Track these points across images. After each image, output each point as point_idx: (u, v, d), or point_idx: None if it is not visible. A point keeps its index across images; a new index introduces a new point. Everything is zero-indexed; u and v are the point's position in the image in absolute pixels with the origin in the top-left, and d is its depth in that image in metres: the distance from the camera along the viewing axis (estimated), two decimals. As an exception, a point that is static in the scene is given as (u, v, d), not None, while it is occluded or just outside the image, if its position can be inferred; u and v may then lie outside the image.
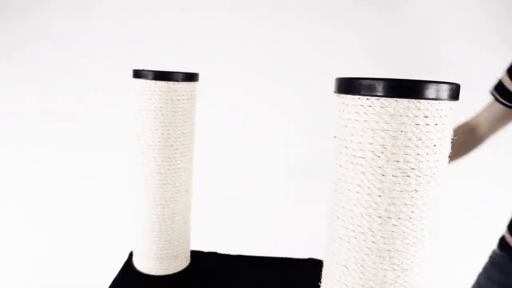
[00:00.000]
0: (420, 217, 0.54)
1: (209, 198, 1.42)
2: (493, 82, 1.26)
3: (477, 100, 1.64)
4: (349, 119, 0.55)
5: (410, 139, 0.51)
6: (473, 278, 1.29)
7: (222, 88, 1.52)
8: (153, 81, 0.94)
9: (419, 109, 0.50)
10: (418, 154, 0.51)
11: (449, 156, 0.56)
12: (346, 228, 0.57)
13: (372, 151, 0.52)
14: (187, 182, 1.03)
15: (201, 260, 1.13)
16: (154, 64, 1.09)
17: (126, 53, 1.54)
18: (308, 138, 1.58)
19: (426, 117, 0.51)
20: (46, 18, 1.60)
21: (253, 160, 1.63)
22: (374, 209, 0.53)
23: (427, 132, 0.51)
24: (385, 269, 0.55)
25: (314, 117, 1.54)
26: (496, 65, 1.63)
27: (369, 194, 0.53)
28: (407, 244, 0.54)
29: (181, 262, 1.06)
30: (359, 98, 0.53)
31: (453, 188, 1.59)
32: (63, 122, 1.62)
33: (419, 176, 0.52)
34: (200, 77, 1.03)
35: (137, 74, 0.96)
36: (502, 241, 1.23)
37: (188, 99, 0.99)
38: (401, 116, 0.50)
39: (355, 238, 0.56)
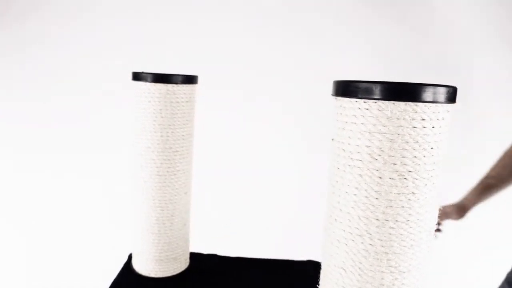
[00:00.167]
0: (418, 219, 0.54)
1: (208, 200, 1.42)
2: None
3: (478, 102, 1.64)
4: (346, 122, 0.55)
5: (407, 142, 0.51)
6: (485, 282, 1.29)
7: (221, 90, 1.52)
8: (152, 84, 0.95)
9: (416, 112, 0.50)
10: (415, 157, 0.52)
11: (496, 184, 0.55)
12: (344, 231, 0.57)
13: (369, 154, 0.53)
14: (186, 184, 1.03)
15: (200, 262, 1.13)
16: (153, 67, 1.10)
17: (125, 55, 1.54)
18: (307, 140, 1.58)
19: (423, 120, 0.51)
20: (45, 21, 1.60)
21: (252, 162, 1.63)
22: (371, 212, 0.54)
23: (424, 135, 0.51)
24: (382, 272, 0.55)
25: (313, 119, 1.54)
26: (497, 67, 1.64)
27: (366, 197, 0.54)
28: (404, 246, 0.54)
29: (180, 264, 1.07)
30: (356, 101, 0.53)
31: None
32: (63, 124, 1.62)
33: (416, 179, 0.52)
34: (199, 79, 1.03)
35: (136, 76, 0.97)
36: None
37: (187, 102, 0.99)
38: (398, 119, 0.50)
39: (353, 240, 0.56)
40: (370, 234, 0.54)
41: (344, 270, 0.57)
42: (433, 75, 1.60)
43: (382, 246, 0.54)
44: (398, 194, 0.52)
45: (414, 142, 0.51)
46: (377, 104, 0.51)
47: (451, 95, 0.52)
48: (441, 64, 1.64)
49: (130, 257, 1.11)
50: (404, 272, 0.55)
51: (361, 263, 0.55)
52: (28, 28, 1.62)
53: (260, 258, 1.17)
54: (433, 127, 0.52)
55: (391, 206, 0.53)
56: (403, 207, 0.53)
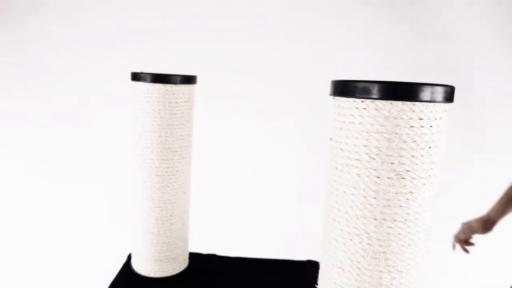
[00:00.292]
0: (416, 219, 0.54)
1: (207, 200, 1.42)
2: None
3: (477, 101, 1.64)
4: (344, 122, 0.55)
5: (405, 141, 0.51)
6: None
7: (220, 90, 1.52)
8: (151, 84, 0.94)
9: (413, 111, 0.50)
10: (413, 156, 0.52)
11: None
12: (342, 230, 0.57)
13: (367, 153, 0.53)
14: (185, 184, 1.03)
15: (199, 262, 1.13)
16: (153, 67, 1.10)
17: (124, 56, 1.54)
18: (306, 140, 1.58)
19: (421, 119, 0.51)
20: (44, 21, 1.60)
21: (251, 162, 1.63)
22: (369, 211, 0.54)
23: (422, 134, 0.51)
24: (380, 271, 0.55)
25: (313, 119, 1.54)
26: (496, 67, 1.64)
27: (364, 196, 0.54)
28: (402, 246, 0.54)
29: (179, 264, 1.07)
30: (354, 101, 0.53)
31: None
32: (61, 124, 1.62)
33: (414, 178, 0.52)
34: (198, 79, 1.03)
35: (135, 76, 0.96)
36: None
37: (186, 102, 0.99)
38: (395, 118, 0.50)
39: (351, 240, 0.56)
40: (368, 233, 0.54)
41: (342, 269, 0.57)
42: (433, 75, 1.60)
43: (380, 245, 0.54)
44: (396, 193, 0.52)
45: (412, 142, 0.51)
46: (374, 103, 0.51)
47: (449, 95, 0.52)
48: (441, 64, 1.64)
49: (129, 257, 1.11)
50: (402, 272, 0.55)
51: (359, 262, 0.55)
52: (27, 28, 1.62)
53: (259, 258, 1.17)
54: (430, 126, 0.52)
55: (389, 206, 0.53)
56: (401, 206, 0.53)
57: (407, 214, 0.53)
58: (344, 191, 0.56)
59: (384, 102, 0.50)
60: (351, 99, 0.54)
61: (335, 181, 0.58)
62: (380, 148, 0.52)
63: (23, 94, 1.65)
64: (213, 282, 1.04)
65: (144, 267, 1.03)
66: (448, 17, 1.63)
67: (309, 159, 1.59)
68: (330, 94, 0.58)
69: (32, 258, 1.67)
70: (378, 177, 0.52)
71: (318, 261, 0.65)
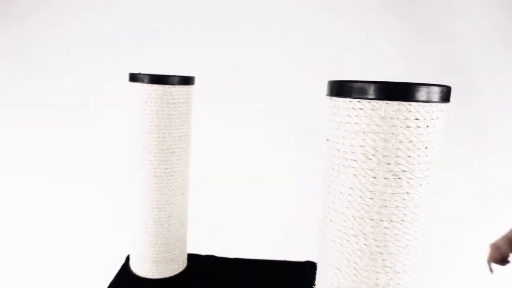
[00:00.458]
0: (413, 219, 0.54)
1: (205, 201, 1.42)
2: None
3: (476, 101, 1.64)
4: (341, 122, 0.55)
5: (401, 142, 0.51)
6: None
7: (218, 91, 1.52)
8: (149, 85, 0.94)
9: (410, 111, 0.50)
10: (409, 156, 0.52)
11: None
12: (339, 231, 0.57)
13: (363, 154, 0.53)
14: (183, 185, 1.03)
15: (198, 263, 1.13)
16: (151, 68, 1.10)
17: (123, 57, 1.54)
18: (305, 140, 1.58)
19: (417, 119, 0.51)
20: (43, 23, 1.61)
21: (249, 163, 1.62)
22: (366, 212, 0.53)
23: (418, 134, 0.51)
24: (377, 272, 0.55)
25: (310, 120, 1.54)
26: (496, 67, 1.64)
27: (361, 197, 0.53)
28: (399, 246, 0.54)
29: (177, 265, 1.06)
30: (350, 101, 0.53)
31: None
32: (60, 126, 1.62)
33: (411, 179, 0.52)
34: (196, 80, 1.03)
35: (133, 77, 0.96)
36: None
37: (184, 103, 0.99)
38: (392, 118, 0.50)
39: (348, 240, 0.56)
40: (365, 234, 0.54)
41: (339, 270, 0.57)
42: (433, 75, 1.60)
43: (377, 246, 0.54)
44: (393, 194, 0.52)
45: (408, 142, 0.51)
46: (371, 104, 0.51)
47: (445, 95, 0.52)
48: (440, 64, 1.63)
49: (128, 258, 1.11)
50: (399, 272, 0.55)
51: (356, 263, 0.55)
52: (27, 29, 1.62)
53: (258, 259, 1.17)
54: (427, 126, 0.52)
55: (386, 206, 0.53)
56: (397, 207, 0.53)
57: (404, 214, 0.53)
58: (341, 192, 0.56)
59: (380, 102, 0.50)
60: (347, 100, 0.53)
61: (331, 181, 0.58)
62: (376, 149, 0.52)
63: (23, 94, 1.65)
64: (211, 283, 1.04)
65: (142, 268, 1.03)
66: (448, 17, 1.62)
67: (309, 159, 1.59)
68: (327, 95, 0.58)
69: (31, 258, 1.67)
70: (374, 177, 0.52)
71: (316, 261, 0.65)
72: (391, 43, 1.62)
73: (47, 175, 1.68)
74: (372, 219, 0.53)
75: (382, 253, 0.54)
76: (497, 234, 1.51)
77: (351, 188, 0.54)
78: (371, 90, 0.51)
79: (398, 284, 0.55)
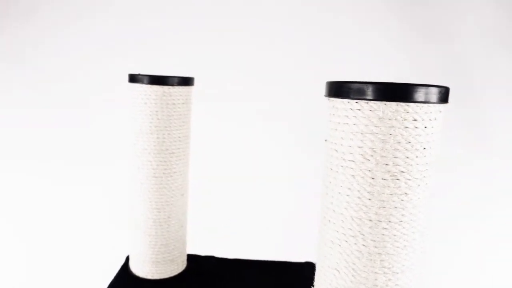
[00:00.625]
0: (411, 220, 0.54)
1: (205, 202, 1.42)
2: None
3: (476, 102, 1.64)
4: (339, 123, 0.55)
5: (399, 142, 0.51)
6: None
7: (218, 91, 1.52)
8: (149, 86, 0.95)
9: (408, 112, 0.50)
10: (407, 157, 0.52)
11: None
12: (337, 232, 0.57)
13: (361, 154, 0.53)
14: (183, 186, 1.03)
15: (197, 263, 1.13)
16: (151, 69, 1.10)
17: (122, 58, 1.55)
18: (305, 141, 1.58)
19: (415, 120, 0.51)
20: (42, 24, 1.61)
21: (249, 163, 1.63)
22: (364, 212, 0.54)
23: (416, 135, 0.51)
24: (376, 273, 0.55)
25: (310, 120, 1.54)
26: (496, 67, 1.64)
27: (359, 198, 0.54)
28: (397, 247, 0.54)
29: (177, 266, 1.06)
30: (348, 102, 0.53)
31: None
32: (60, 127, 1.63)
33: (409, 179, 0.52)
34: (195, 81, 1.03)
35: (133, 78, 0.97)
36: None
37: (183, 103, 0.99)
38: (390, 119, 0.50)
39: (346, 241, 0.56)
40: (363, 235, 0.54)
41: (338, 271, 0.57)
42: (434, 76, 1.60)
43: (376, 247, 0.54)
44: (391, 194, 0.52)
45: (406, 143, 0.51)
46: (369, 104, 0.51)
47: (443, 95, 0.52)
48: (440, 64, 1.63)
49: (127, 259, 1.11)
50: (397, 273, 0.55)
51: (354, 264, 0.55)
52: (26, 30, 1.62)
53: (257, 259, 1.17)
54: (425, 127, 0.52)
55: (384, 207, 0.53)
56: (396, 207, 0.53)
57: (402, 215, 0.53)
58: (339, 192, 0.56)
59: (378, 103, 0.50)
60: (345, 100, 0.54)
61: (330, 182, 0.58)
62: (374, 149, 0.52)
63: (23, 94, 1.66)
64: (211, 284, 1.04)
65: (142, 269, 1.03)
66: (448, 17, 1.62)
67: (308, 160, 1.59)
68: (325, 95, 0.58)
69: (31, 258, 1.67)
70: (372, 178, 0.52)
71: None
72: (391, 43, 1.62)
73: (47, 175, 1.68)
74: (370, 220, 0.53)
75: (381, 253, 0.54)
76: (497, 234, 1.51)
77: (349, 188, 0.54)
78: (369, 91, 0.51)
79: (396, 285, 0.55)
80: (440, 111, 0.53)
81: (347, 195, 0.55)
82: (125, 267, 1.08)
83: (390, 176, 0.52)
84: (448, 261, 1.55)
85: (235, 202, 1.62)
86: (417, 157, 0.52)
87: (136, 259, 1.04)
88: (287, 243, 1.58)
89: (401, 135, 0.51)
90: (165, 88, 0.95)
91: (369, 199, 0.53)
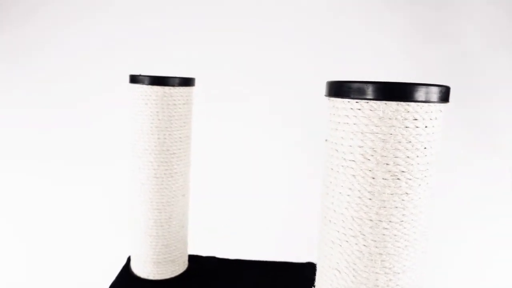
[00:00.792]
0: (412, 220, 0.54)
1: (206, 202, 1.42)
2: None
3: (479, 101, 1.64)
4: (339, 122, 0.55)
5: (400, 142, 0.51)
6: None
7: (219, 91, 1.52)
8: (149, 86, 0.95)
9: (408, 111, 0.50)
10: (408, 157, 0.51)
11: None
12: (338, 232, 0.56)
13: (362, 154, 0.52)
14: (184, 187, 1.03)
15: (198, 264, 1.13)
16: (151, 69, 1.10)
17: (123, 58, 1.55)
18: (306, 141, 1.58)
19: (416, 119, 0.51)
20: (43, 24, 1.62)
21: (251, 163, 1.63)
22: (365, 212, 0.53)
23: (416, 134, 0.51)
24: (376, 273, 0.54)
25: (310, 120, 1.54)
26: (497, 67, 1.63)
27: (359, 197, 0.53)
28: (398, 247, 0.54)
29: (178, 267, 1.06)
30: (348, 101, 0.53)
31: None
32: (61, 127, 1.63)
33: (410, 179, 0.52)
34: (196, 81, 1.03)
35: (134, 79, 0.97)
36: None
37: (184, 104, 0.99)
38: (390, 119, 0.50)
39: (347, 241, 0.55)
40: (364, 235, 0.54)
41: (339, 271, 0.57)
42: (434, 75, 1.60)
43: (376, 247, 0.54)
44: (392, 194, 0.52)
45: (407, 142, 0.51)
46: (369, 104, 0.51)
47: (444, 95, 0.52)
48: (442, 64, 1.63)
49: (128, 259, 1.11)
50: (398, 273, 0.55)
51: (355, 264, 0.55)
52: (27, 30, 1.63)
53: (259, 260, 1.17)
54: (426, 126, 0.51)
55: (385, 207, 0.53)
56: (396, 207, 0.53)
57: (403, 215, 0.53)
58: (340, 192, 0.56)
59: (378, 102, 0.50)
60: (345, 100, 0.53)
61: (330, 182, 0.57)
62: (375, 149, 0.51)
63: (24, 95, 1.66)
64: (212, 284, 1.04)
65: (143, 270, 1.03)
66: (450, 17, 1.62)
67: (309, 160, 1.59)
68: (325, 95, 0.58)
69: (31, 259, 1.67)
70: (373, 178, 0.52)
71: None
72: (392, 43, 1.62)
73: (47, 175, 1.68)
74: (371, 220, 0.53)
75: (381, 254, 0.54)
76: (497, 234, 1.51)
77: (349, 188, 0.54)
78: (369, 91, 0.51)
79: (397, 285, 0.55)
80: (441, 111, 0.53)
81: (348, 195, 0.54)
82: (126, 267, 1.08)
83: (391, 175, 0.52)
84: (448, 261, 1.55)
85: (236, 203, 1.62)
86: (417, 156, 0.52)
87: (137, 260, 1.04)
88: (289, 243, 1.58)
89: (402, 134, 0.51)
90: (166, 88, 0.95)
91: (370, 199, 0.53)
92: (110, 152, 1.62)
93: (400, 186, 0.52)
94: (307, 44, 1.60)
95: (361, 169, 0.53)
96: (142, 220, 1.00)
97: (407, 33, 1.63)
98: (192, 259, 1.14)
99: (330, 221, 0.58)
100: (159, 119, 0.96)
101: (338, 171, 0.56)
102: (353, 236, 0.55)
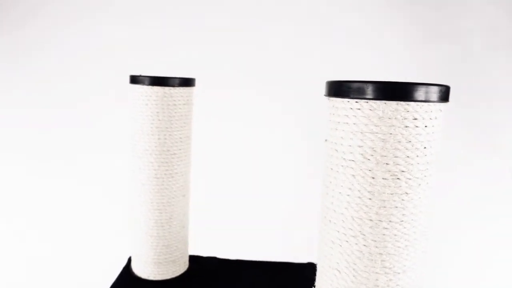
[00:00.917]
0: (412, 220, 0.54)
1: (207, 203, 1.42)
2: None
3: (479, 101, 1.64)
4: (339, 122, 0.55)
5: (400, 142, 0.51)
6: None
7: (219, 92, 1.52)
8: (150, 87, 0.95)
9: (408, 111, 0.50)
10: (408, 156, 0.51)
11: None
12: (338, 232, 0.56)
13: (362, 154, 0.52)
14: (184, 187, 1.03)
15: (199, 264, 1.13)
16: (151, 70, 1.10)
17: (123, 59, 1.55)
18: (307, 141, 1.58)
19: (415, 119, 0.51)
20: (44, 25, 1.62)
21: (251, 164, 1.63)
22: (365, 212, 0.53)
23: (416, 134, 0.51)
24: (377, 273, 0.54)
25: (312, 120, 1.54)
26: (497, 67, 1.63)
27: (359, 197, 0.53)
28: (398, 247, 0.54)
29: (179, 267, 1.06)
30: (348, 101, 0.53)
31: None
32: (61, 128, 1.63)
33: (410, 179, 0.52)
34: (197, 82, 1.04)
35: (134, 79, 0.97)
36: None
37: (184, 104, 0.99)
38: (390, 118, 0.50)
39: (347, 241, 0.55)
40: (364, 235, 0.54)
41: (339, 271, 0.57)
42: (435, 75, 1.60)
43: (376, 247, 0.54)
44: (392, 194, 0.52)
45: (407, 142, 0.51)
46: (369, 104, 0.51)
47: (444, 94, 0.52)
48: (442, 63, 1.63)
49: (129, 260, 1.11)
50: (398, 273, 0.55)
51: (355, 264, 0.55)
52: (27, 31, 1.63)
53: (260, 260, 1.17)
54: (425, 126, 0.51)
55: (385, 207, 0.53)
56: (396, 207, 0.53)
57: (403, 215, 0.53)
58: (340, 192, 0.55)
59: (378, 102, 0.50)
60: (345, 100, 0.53)
61: (330, 182, 0.57)
62: (374, 149, 0.51)
63: (25, 96, 1.67)
64: (213, 284, 1.04)
65: (144, 270, 1.03)
66: (450, 16, 1.62)
67: (309, 159, 1.59)
68: (325, 95, 0.58)
69: (31, 259, 1.67)
70: (373, 177, 0.52)
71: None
72: (393, 42, 1.62)
73: (47, 175, 1.69)
74: (371, 220, 0.53)
75: (381, 253, 0.54)
76: (497, 234, 1.51)
77: (349, 188, 0.54)
78: (369, 90, 0.51)
79: (397, 285, 0.55)
80: (441, 110, 0.53)
81: (348, 195, 0.54)
82: (127, 268, 1.08)
83: (391, 175, 0.51)
84: (448, 261, 1.55)
85: (236, 203, 1.62)
86: (417, 156, 0.52)
87: (138, 260, 1.04)
88: (289, 243, 1.58)
89: (402, 134, 0.50)
90: (166, 89, 0.95)
91: (370, 199, 0.53)
92: (111, 152, 1.62)
93: (400, 186, 0.52)
94: (307, 44, 1.60)
95: (361, 169, 0.53)
96: (143, 220, 1.00)
97: (407, 32, 1.63)
98: (193, 259, 1.14)
99: (330, 221, 0.58)
100: (159, 120, 0.96)
101: (338, 171, 0.56)
102: (353, 236, 0.55)
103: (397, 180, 0.52)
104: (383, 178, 0.52)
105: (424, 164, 0.52)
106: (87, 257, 1.62)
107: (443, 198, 1.50)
